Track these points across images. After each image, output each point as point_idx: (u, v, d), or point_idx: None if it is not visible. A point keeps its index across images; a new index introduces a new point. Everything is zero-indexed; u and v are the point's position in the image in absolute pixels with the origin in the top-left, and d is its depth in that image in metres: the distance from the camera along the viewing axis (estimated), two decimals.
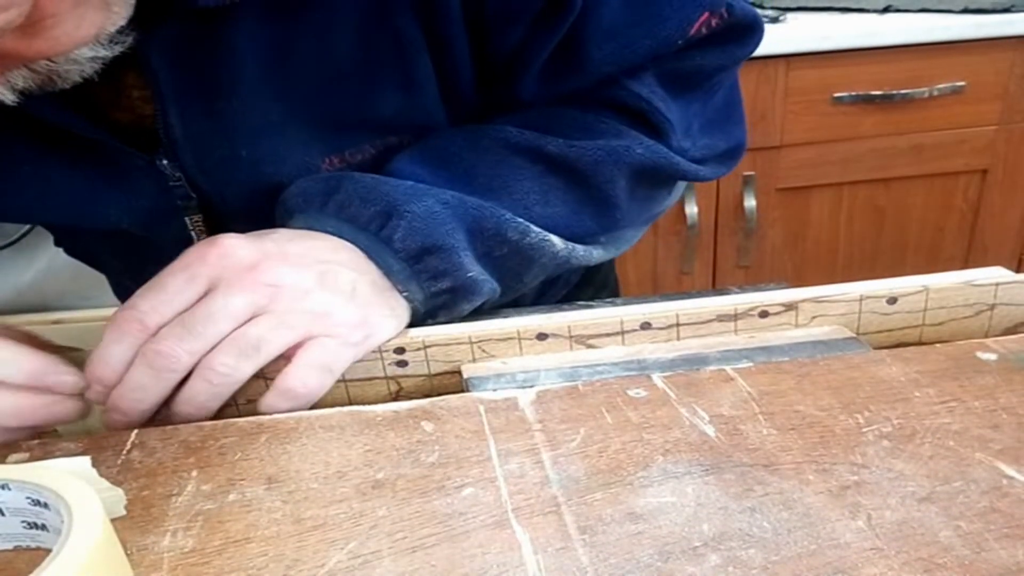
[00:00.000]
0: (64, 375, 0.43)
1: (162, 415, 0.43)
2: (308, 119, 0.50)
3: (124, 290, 0.65)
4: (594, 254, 0.57)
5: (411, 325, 0.49)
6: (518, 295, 0.57)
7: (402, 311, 0.48)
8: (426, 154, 0.52)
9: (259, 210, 0.52)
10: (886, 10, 1.41)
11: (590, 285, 0.77)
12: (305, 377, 0.43)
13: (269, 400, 0.44)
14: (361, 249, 0.47)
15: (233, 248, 0.44)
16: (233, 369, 0.42)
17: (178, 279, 0.43)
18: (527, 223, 0.51)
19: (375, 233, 0.47)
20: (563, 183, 0.53)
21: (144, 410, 0.42)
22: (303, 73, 0.48)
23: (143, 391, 0.42)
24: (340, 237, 0.47)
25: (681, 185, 0.63)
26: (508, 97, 0.55)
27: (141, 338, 0.42)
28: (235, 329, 0.42)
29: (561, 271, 0.57)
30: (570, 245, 0.54)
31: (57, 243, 0.65)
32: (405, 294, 0.48)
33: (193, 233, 0.54)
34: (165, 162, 0.50)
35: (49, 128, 0.48)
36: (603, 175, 0.53)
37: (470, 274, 0.49)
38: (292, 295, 0.43)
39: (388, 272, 0.47)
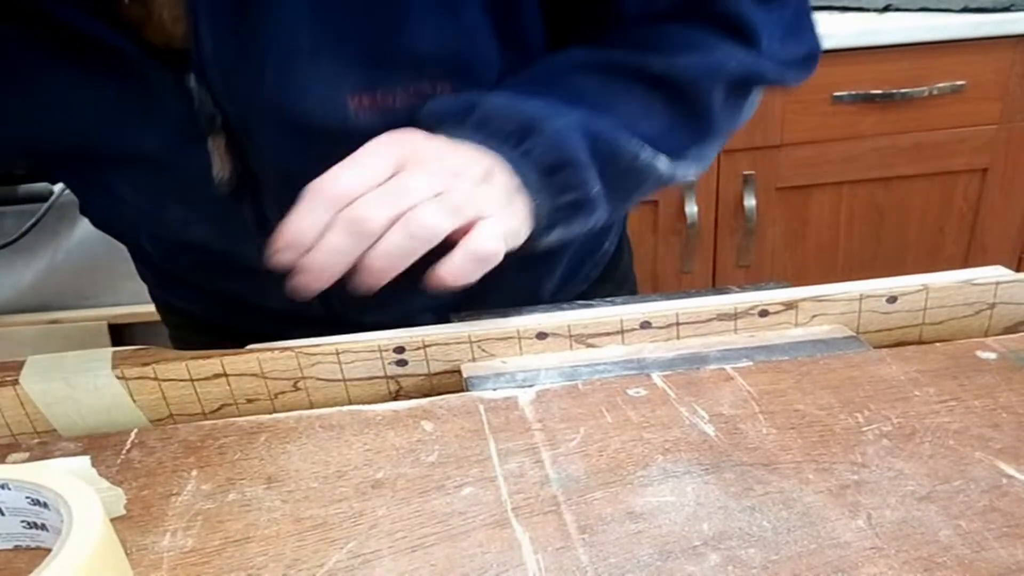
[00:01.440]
0: None
1: (350, 281, 0.45)
2: (339, 50, 0.50)
3: (144, 244, 0.64)
4: (690, 171, 0.59)
5: (528, 240, 0.50)
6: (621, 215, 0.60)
7: (529, 219, 0.51)
8: (535, 76, 0.54)
9: (279, 145, 0.53)
10: (886, 9, 1.41)
11: (609, 282, 0.77)
12: (490, 238, 0.46)
13: (457, 260, 0.45)
14: (503, 159, 0.50)
15: (419, 138, 0.48)
16: (436, 223, 0.44)
17: (371, 159, 0.46)
18: (641, 143, 0.53)
19: (514, 146, 0.50)
20: (664, 100, 0.55)
21: (335, 273, 0.45)
22: None
23: (339, 254, 0.44)
24: (480, 145, 0.50)
25: (758, 96, 0.65)
26: (605, 13, 0.56)
27: (337, 206, 0.45)
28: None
29: (657, 190, 0.59)
30: (672, 164, 0.57)
31: (82, 211, 0.66)
32: (535, 203, 0.50)
33: (215, 158, 0.54)
34: (193, 82, 0.50)
35: (78, 42, 0.48)
36: (701, 90, 0.56)
37: (595, 190, 0.52)
38: (469, 183, 0.47)
39: (525, 182, 0.50)
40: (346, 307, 0.62)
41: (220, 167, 0.53)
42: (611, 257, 0.77)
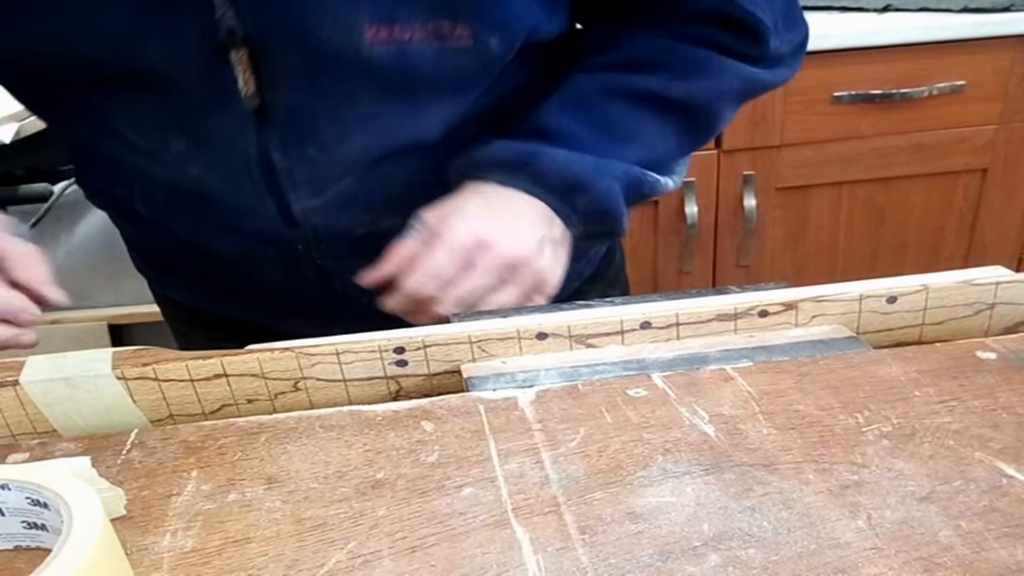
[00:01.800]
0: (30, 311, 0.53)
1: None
2: None
3: (138, 205, 0.64)
4: (680, 178, 0.68)
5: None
6: None
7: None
8: (566, 101, 0.60)
9: (292, 70, 0.53)
10: (885, 9, 1.41)
11: (601, 281, 0.78)
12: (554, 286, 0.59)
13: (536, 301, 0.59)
14: (548, 206, 0.59)
15: (484, 237, 0.56)
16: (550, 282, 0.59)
17: (446, 258, 0.55)
18: (655, 176, 0.62)
19: (565, 201, 0.59)
20: (678, 122, 0.63)
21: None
22: None
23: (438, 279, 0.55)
24: (531, 195, 0.58)
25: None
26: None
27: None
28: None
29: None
30: (674, 179, 0.65)
31: (77, 175, 0.66)
32: (572, 232, 0.61)
33: (239, 73, 0.53)
34: None
35: None
36: (713, 111, 0.64)
37: (625, 226, 0.62)
38: (551, 247, 0.58)
39: (569, 225, 0.60)
40: (348, 290, 0.63)
41: (244, 82, 0.53)
42: (603, 256, 0.78)
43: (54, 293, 0.55)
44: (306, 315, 0.67)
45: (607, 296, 0.70)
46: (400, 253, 0.56)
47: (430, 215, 0.56)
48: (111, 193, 0.66)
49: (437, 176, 0.60)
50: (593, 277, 0.76)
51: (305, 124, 0.56)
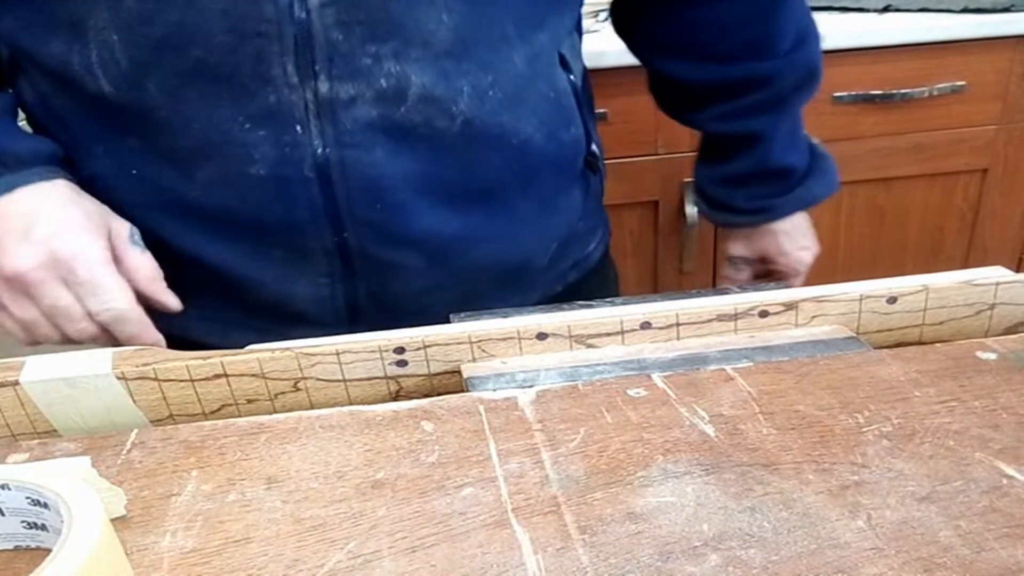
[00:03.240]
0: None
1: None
2: None
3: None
4: None
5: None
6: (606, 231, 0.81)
7: None
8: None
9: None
10: (886, 10, 1.41)
11: (588, 295, 0.76)
12: None
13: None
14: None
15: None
16: None
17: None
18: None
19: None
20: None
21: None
22: None
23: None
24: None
25: None
26: None
27: None
28: None
29: None
30: None
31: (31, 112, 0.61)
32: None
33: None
34: None
35: None
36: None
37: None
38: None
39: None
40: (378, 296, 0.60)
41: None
42: (595, 265, 0.76)
43: (170, 298, 0.57)
44: (299, 322, 0.63)
45: None
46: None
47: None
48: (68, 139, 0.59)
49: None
50: (581, 283, 0.75)
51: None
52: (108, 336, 0.55)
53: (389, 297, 0.62)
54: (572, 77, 0.65)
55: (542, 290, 0.71)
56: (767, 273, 0.83)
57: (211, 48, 0.52)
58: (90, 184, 0.58)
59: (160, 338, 0.56)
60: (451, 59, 0.55)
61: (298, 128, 0.54)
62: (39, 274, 0.53)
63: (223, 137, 0.54)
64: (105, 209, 0.57)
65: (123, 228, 0.57)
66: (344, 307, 0.62)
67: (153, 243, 0.59)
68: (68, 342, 0.55)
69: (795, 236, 0.79)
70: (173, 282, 0.61)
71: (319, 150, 0.55)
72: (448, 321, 0.52)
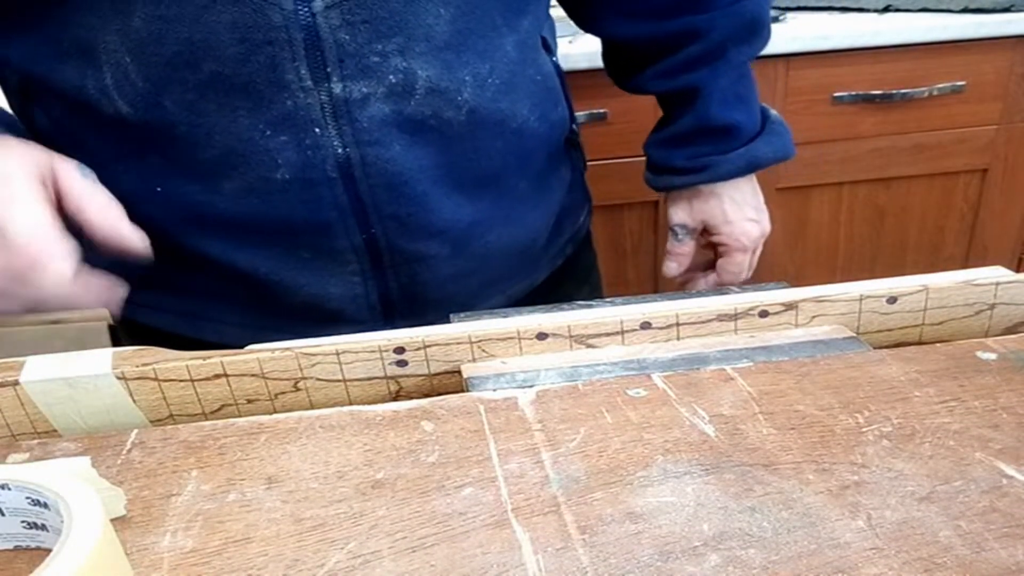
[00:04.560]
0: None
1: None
2: None
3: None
4: None
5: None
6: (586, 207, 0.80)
7: None
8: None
9: None
10: (886, 10, 1.41)
11: (572, 278, 0.79)
12: None
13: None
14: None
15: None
16: None
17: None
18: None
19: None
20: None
21: None
22: None
23: None
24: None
25: None
26: None
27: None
28: None
29: None
30: None
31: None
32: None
33: None
34: None
35: None
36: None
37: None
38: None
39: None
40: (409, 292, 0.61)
41: None
42: (585, 236, 0.79)
43: (132, 235, 0.52)
44: (302, 319, 0.64)
45: (575, 296, 0.73)
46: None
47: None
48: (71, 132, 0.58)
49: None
50: (562, 273, 0.76)
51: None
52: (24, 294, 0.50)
53: (418, 288, 0.63)
54: (554, 59, 0.68)
55: (547, 267, 0.73)
56: (710, 248, 0.78)
57: (224, 61, 0.52)
58: None
59: (111, 295, 0.52)
60: (452, 51, 0.56)
61: (317, 130, 0.55)
62: None
63: (245, 146, 0.55)
64: (43, 150, 0.52)
65: (69, 164, 0.52)
66: (378, 303, 0.64)
67: (186, 256, 0.59)
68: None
69: (741, 205, 0.74)
70: (210, 292, 0.62)
71: (339, 150, 0.56)
72: (448, 321, 0.52)
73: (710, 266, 0.79)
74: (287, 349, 0.46)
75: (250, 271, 0.61)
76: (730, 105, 0.72)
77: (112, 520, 0.35)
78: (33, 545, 0.35)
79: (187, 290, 0.64)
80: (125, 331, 0.63)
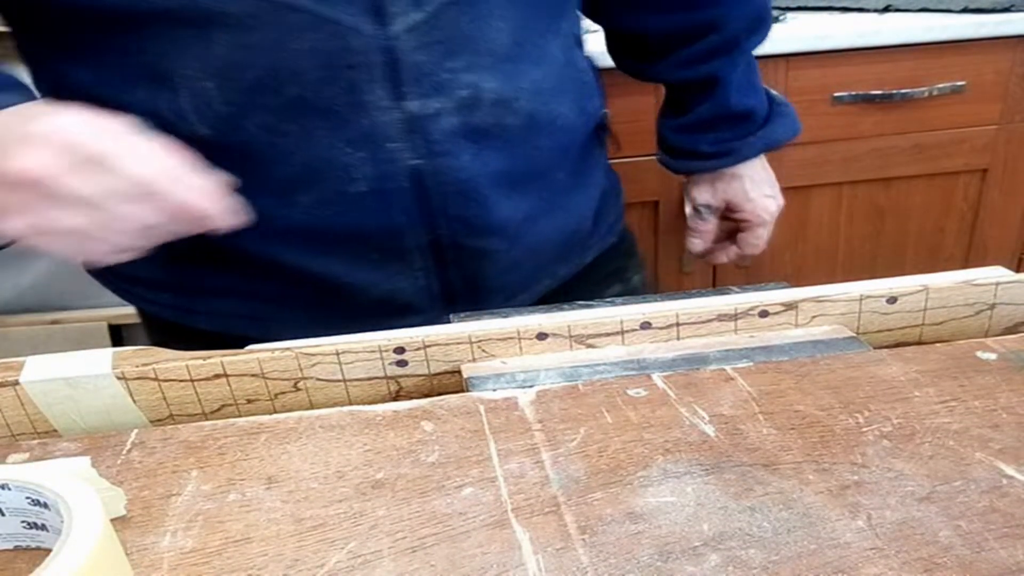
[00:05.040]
0: None
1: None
2: None
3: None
4: None
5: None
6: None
7: None
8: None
9: None
10: (886, 10, 1.41)
11: (621, 254, 0.82)
12: None
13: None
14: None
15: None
16: None
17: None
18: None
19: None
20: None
21: None
22: None
23: None
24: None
25: None
26: None
27: None
28: None
29: None
30: None
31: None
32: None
33: None
34: None
35: None
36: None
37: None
38: None
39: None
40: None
41: None
42: (623, 210, 0.83)
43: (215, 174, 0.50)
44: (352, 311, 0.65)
45: (626, 272, 0.78)
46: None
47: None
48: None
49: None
50: (623, 231, 0.81)
51: None
52: (157, 215, 0.49)
53: (478, 279, 0.66)
54: (586, 54, 0.71)
55: (597, 247, 0.76)
56: (731, 224, 0.85)
57: (305, 85, 0.54)
58: None
59: (221, 206, 0.50)
60: (511, 62, 0.59)
61: (392, 145, 0.57)
62: (48, 167, 0.46)
63: (323, 163, 0.57)
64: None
65: (127, 122, 0.51)
66: (440, 294, 0.66)
67: (257, 263, 0.61)
68: (125, 250, 0.51)
69: (759, 183, 0.82)
70: (281, 296, 0.64)
71: (411, 161, 0.58)
72: (448, 320, 0.52)
73: (726, 238, 0.87)
74: (287, 349, 0.46)
75: (321, 275, 0.63)
76: (745, 92, 0.78)
77: (112, 520, 0.35)
78: (33, 545, 0.35)
79: (256, 295, 0.65)
80: (184, 336, 0.64)
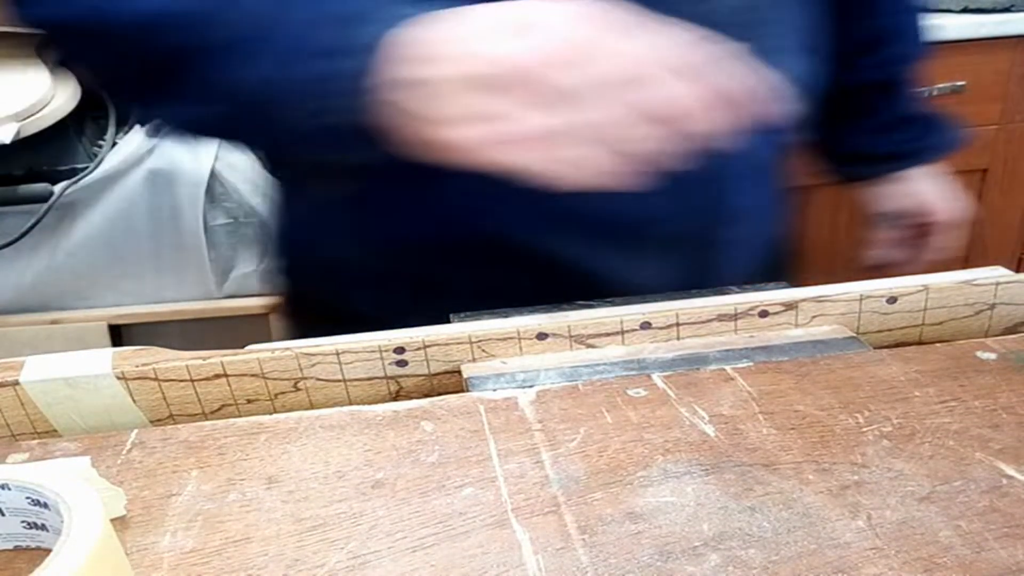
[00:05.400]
0: None
1: None
2: None
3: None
4: None
5: None
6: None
7: None
8: None
9: None
10: None
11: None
12: None
13: None
14: None
15: None
16: None
17: None
18: None
19: None
20: None
21: None
22: None
23: None
24: None
25: None
26: None
27: None
28: None
29: None
30: None
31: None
32: None
33: None
34: None
35: None
36: None
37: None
38: None
39: None
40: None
41: None
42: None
43: None
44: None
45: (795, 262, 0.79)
46: None
47: None
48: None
49: None
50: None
51: None
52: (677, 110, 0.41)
53: (714, 268, 0.66)
54: None
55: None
56: (912, 229, 0.84)
57: None
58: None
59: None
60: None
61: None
62: (549, 64, 0.40)
63: None
64: None
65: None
66: (676, 281, 0.64)
67: (526, 257, 0.59)
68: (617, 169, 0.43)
69: (941, 184, 0.83)
70: (532, 289, 0.57)
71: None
72: (448, 321, 0.52)
73: (901, 244, 0.86)
74: (287, 349, 0.46)
75: (582, 266, 0.60)
76: (918, 97, 0.82)
77: (112, 520, 0.35)
78: (33, 545, 0.35)
79: (503, 294, 0.59)
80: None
